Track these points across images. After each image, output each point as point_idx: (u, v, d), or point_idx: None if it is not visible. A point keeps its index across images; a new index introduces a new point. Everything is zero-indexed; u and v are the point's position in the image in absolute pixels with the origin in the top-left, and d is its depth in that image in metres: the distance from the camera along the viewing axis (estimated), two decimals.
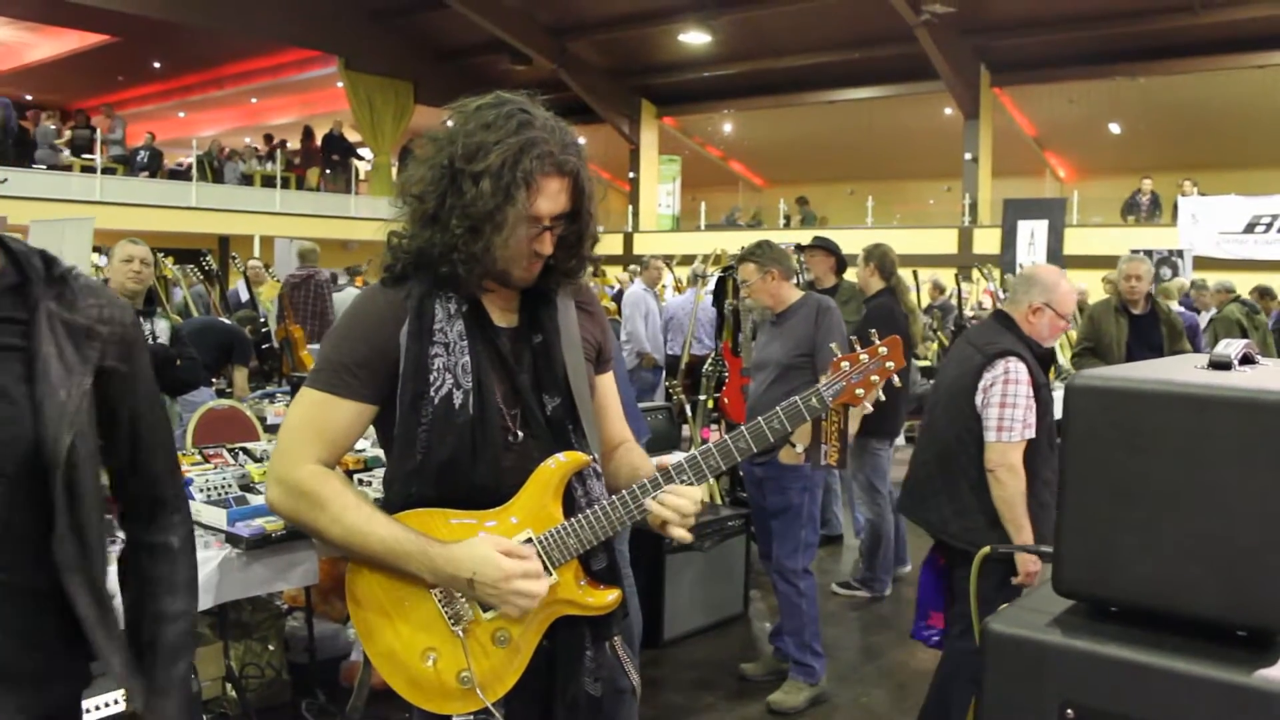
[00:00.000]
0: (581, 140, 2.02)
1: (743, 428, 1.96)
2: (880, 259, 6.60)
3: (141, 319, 4.96)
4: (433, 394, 1.92)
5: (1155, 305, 6.56)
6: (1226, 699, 1.37)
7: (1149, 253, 14.90)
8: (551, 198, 1.92)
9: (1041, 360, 3.84)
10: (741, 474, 5.14)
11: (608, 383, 2.22)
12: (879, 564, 6.41)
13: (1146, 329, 6.43)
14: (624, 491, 1.95)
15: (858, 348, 2.00)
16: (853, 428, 4.49)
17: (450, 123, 1.94)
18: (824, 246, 6.80)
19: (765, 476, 4.76)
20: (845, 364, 1.99)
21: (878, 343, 2.00)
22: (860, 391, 1.99)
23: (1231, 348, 1.60)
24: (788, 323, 4.75)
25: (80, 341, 1.62)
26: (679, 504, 1.92)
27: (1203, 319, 10.57)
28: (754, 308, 5.07)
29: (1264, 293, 11.45)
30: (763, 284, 4.79)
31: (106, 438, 1.69)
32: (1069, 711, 1.48)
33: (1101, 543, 1.53)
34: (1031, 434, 3.66)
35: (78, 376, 1.59)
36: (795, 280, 5.11)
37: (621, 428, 2.24)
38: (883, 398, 2.01)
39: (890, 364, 1.99)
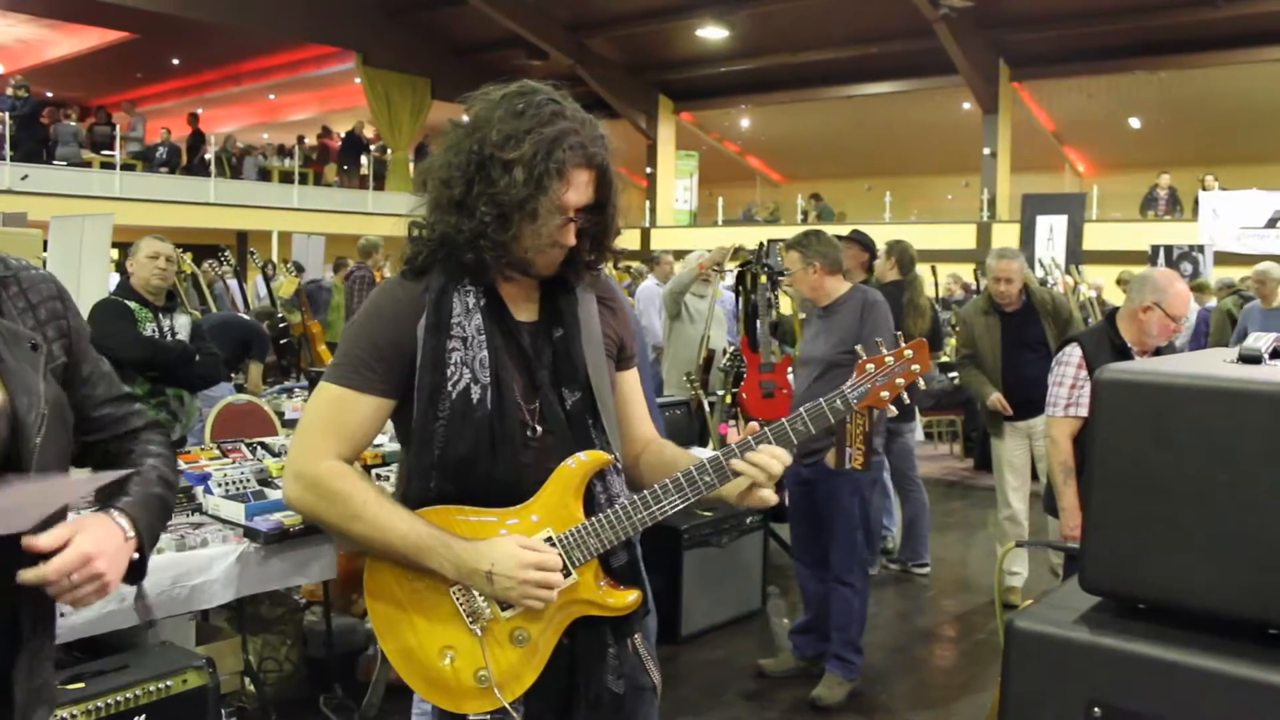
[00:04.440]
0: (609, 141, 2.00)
1: (766, 429, 1.93)
2: (900, 253, 6.61)
3: (162, 315, 5.00)
4: (450, 389, 1.91)
5: (1030, 299, 6.00)
6: (1258, 699, 1.35)
7: (1169, 248, 14.80)
8: (580, 189, 1.91)
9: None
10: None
11: (631, 379, 2.20)
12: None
13: (1021, 326, 5.93)
14: (678, 475, 1.92)
15: (883, 349, 1.99)
16: None
17: (473, 111, 1.93)
18: (860, 240, 6.75)
19: (814, 479, 4.69)
20: (870, 366, 1.98)
21: (903, 345, 1.98)
22: (885, 394, 1.97)
23: (1262, 341, 1.58)
24: (833, 317, 4.65)
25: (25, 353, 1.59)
26: (768, 463, 1.90)
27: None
28: (795, 298, 5.01)
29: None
30: (804, 275, 4.70)
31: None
32: (1095, 710, 1.46)
33: (1129, 539, 1.50)
34: (1077, 413, 4.12)
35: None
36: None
37: (648, 425, 2.22)
38: (907, 400, 2.00)
39: (915, 367, 1.97)
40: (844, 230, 6.39)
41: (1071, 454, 4.16)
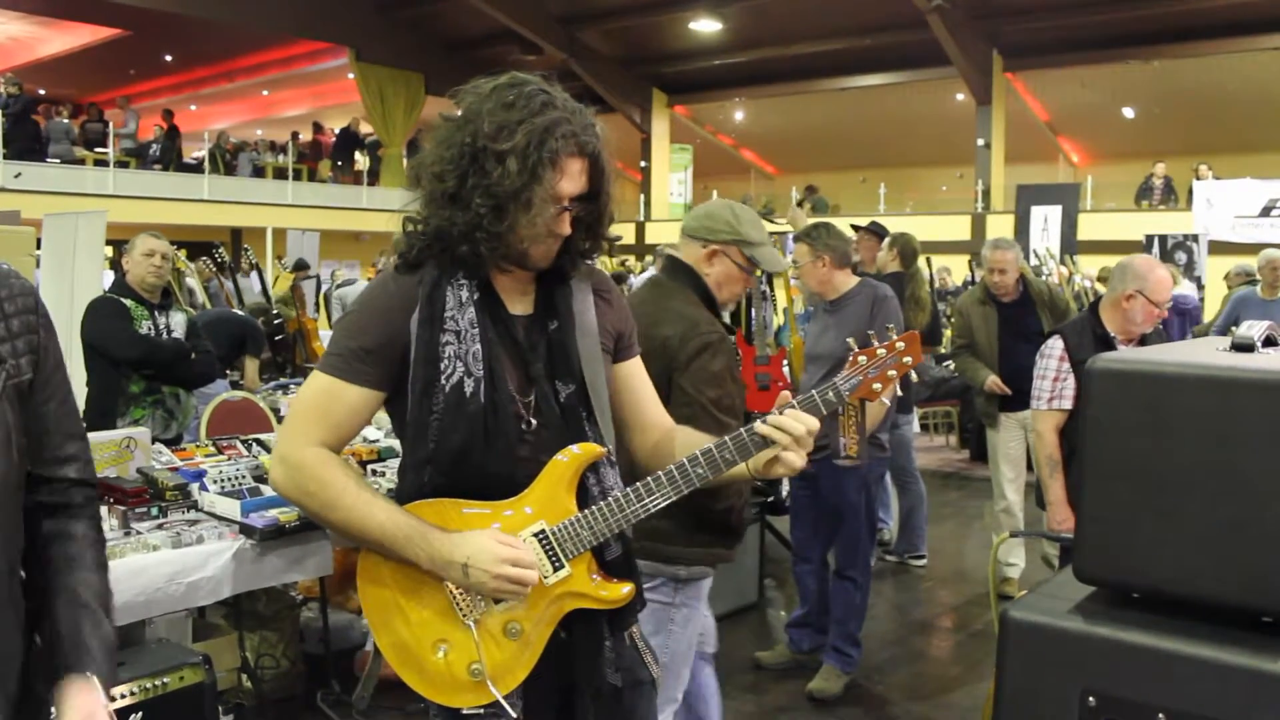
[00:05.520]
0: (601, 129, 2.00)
1: (757, 421, 1.94)
2: (903, 245, 6.60)
3: (157, 312, 4.99)
4: (444, 382, 1.91)
5: (1028, 289, 6.03)
6: (1251, 687, 1.35)
7: (1164, 238, 14.80)
8: (573, 178, 1.91)
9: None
10: None
11: (635, 368, 2.19)
12: None
13: (1018, 317, 5.94)
14: (670, 468, 1.92)
15: (874, 342, 1.99)
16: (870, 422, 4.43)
17: (463, 105, 1.93)
18: (876, 232, 6.70)
19: (819, 475, 4.63)
20: (862, 358, 1.98)
21: (895, 337, 1.99)
22: (877, 386, 1.97)
23: (1254, 329, 1.58)
24: (842, 312, 4.61)
25: None
26: (792, 425, 1.88)
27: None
28: (803, 290, 4.97)
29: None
30: (812, 268, 4.62)
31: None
32: (1090, 700, 1.46)
33: (1123, 528, 1.51)
34: (1061, 405, 4.10)
35: None
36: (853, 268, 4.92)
37: (660, 412, 2.21)
38: (900, 392, 2.01)
39: (907, 359, 1.98)
40: (837, 221, 6.38)
41: (1057, 447, 4.14)
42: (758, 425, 1.91)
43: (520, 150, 1.83)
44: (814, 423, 1.91)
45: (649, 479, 1.93)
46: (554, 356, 2.00)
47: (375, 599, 1.97)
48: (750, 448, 1.92)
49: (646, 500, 1.92)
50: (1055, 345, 4.17)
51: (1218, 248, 14.85)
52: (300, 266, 13.24)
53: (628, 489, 1.94)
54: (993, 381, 5.87)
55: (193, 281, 10.70)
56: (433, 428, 1.92)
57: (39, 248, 7.54)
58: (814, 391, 1.96)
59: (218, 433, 5.26)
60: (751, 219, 3.16)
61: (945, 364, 9.20)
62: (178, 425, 5.08)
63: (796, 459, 1.91)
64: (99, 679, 1.57)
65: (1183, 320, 9.12)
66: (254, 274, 11.65)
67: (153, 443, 4.23)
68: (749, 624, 5.66)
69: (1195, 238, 14.70)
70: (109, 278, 7.86)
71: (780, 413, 1.92)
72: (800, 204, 20.34)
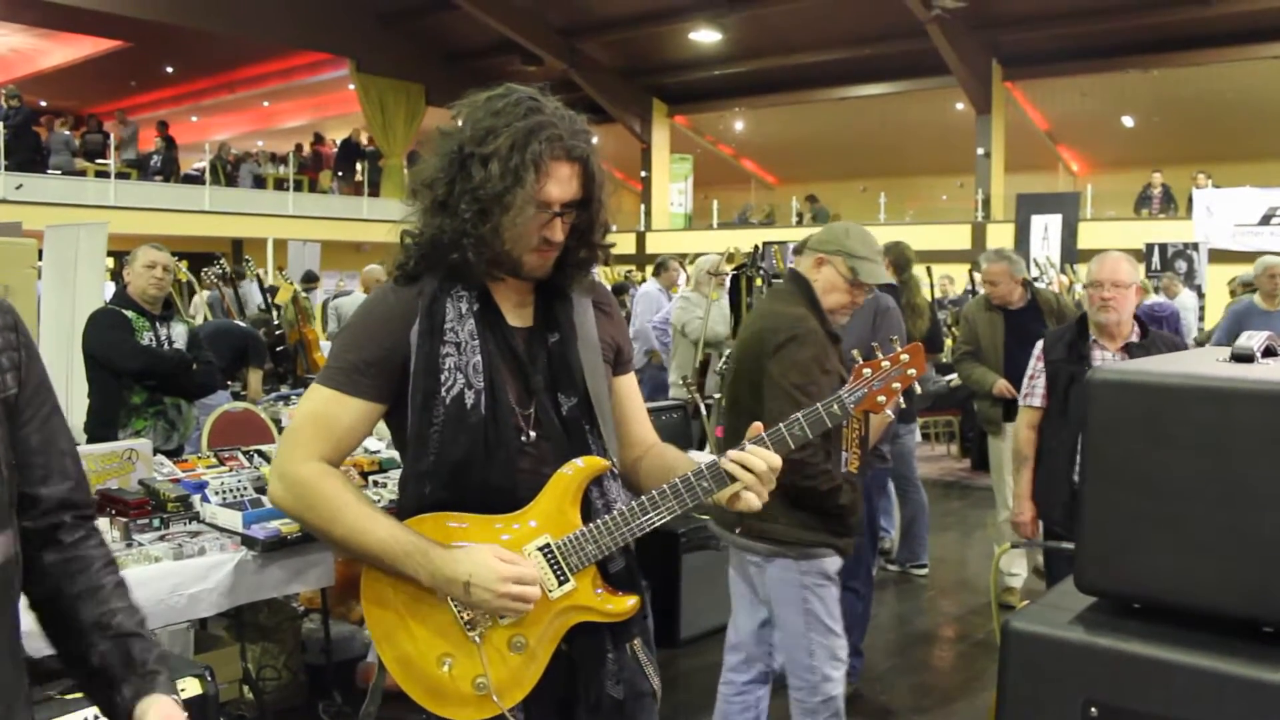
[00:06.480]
0: (594, 136, 2.00)
1: (763, 434, 1.93)
2: (897, 255, 6.58)
3: (159, 323, 4.99)
4: (444, 394, 1.91)
5: (1036, 297, 6.01)
6: (1253, 697, 1.35)
7: (1163, 246, 14.82)
8: (562, 183, 1.90)
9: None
10: None
11: (629, 384, 2.19)
12: None
13: (1024, 325, 5.83)
14: (675, 481, 1.91)
15: (879, 354, 1.99)
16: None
17: (460, 117, 1.93)
18: None
19: None
20: (867, 370, 1.98)
21: (899, 349, 1.99)
22: (882, 399, 1.97)
23: (1254, 340, 1.59)
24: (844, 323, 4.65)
25: None
26: (753, 462, 1.88)
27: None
28: None
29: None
30: None
31: None
32: (1092, 710, 1.47)
33: (1124, 538, 1.51)
34: (1030, 403, 4.23)
35: None
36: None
37: (647, 429, 2.21)
38: (903, 404, 2.01)
39: (911, 371, 1.98)
40: None
41: (1029, 443, 4.27)
42: (723, 461, 1.90)
43: (503, 153, 1.84)
44: (776, 460, 1.90)
45: (653, 492, 1.92)
46: (556, 369, 2.00)
47: (379, 613, 1.96)
48: (725, 479, 1.91)
49: (651, 514, 1.92)
50: (1038, 345, 4.34)
51: (1218, 256, 14.87)
52: (309, 278, 13.27)
53: (631, 502, 1.93)
54: (1001, 386, 5.83)
55: (198, 300, 10.73)
56: (433, 440, 1.92)
57: (40, 259, 7.55)
58: (819, 405, 1.95)
59: (219, 444, 5.26)
60: (861, 236, 3.44)
61: (948, 379, 9.19)
62: (179, 436, 5.08)
63: (755, 499, 1.90)
64: (174, 694, 1.57)
65: (1159, 328, 9.13)
66: (253, 284, 11.66)
67: (154, 454, 4.23)
68: None
69: (1195, 246, 14.71)
70: (110, 289, 7.87)
71: (744, 447, 1.91)
72: (801, 216, 20.39)
